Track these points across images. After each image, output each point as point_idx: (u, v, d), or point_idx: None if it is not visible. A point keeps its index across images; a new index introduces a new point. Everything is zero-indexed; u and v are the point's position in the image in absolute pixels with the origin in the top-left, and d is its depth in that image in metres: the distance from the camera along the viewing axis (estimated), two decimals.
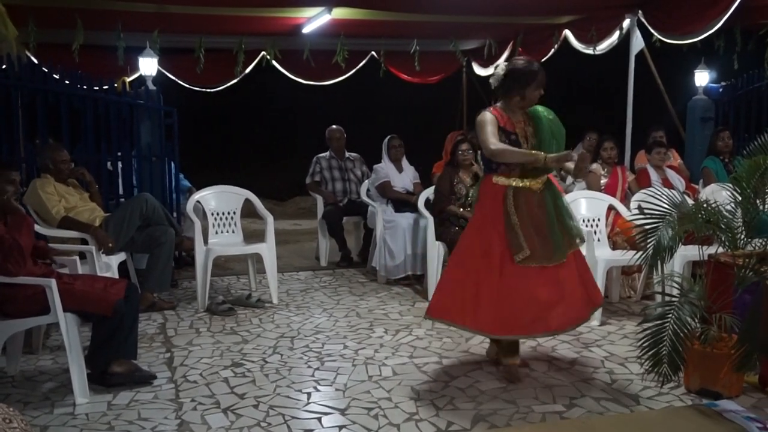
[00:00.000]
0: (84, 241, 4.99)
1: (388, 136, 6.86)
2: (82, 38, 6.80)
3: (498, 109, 3.94)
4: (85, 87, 6.08)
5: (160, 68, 7.39)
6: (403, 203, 6.45)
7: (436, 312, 3.98)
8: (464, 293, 3.84)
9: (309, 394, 3.77)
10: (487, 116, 3.86)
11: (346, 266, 6.94)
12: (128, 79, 7.47)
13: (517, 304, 3.74)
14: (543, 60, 7.91)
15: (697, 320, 3.58)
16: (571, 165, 3.87)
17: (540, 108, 3.99)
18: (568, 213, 4.01)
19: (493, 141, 3.76)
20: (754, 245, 3.80)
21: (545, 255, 3.79)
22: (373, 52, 8.83)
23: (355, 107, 10.67)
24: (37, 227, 4.87)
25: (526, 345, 4.47)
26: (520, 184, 3.84)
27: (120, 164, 6.44)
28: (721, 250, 3.82)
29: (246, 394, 3.76)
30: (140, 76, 7.00)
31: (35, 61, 6.77)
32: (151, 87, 6.61)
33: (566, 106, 12.06)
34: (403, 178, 6.73)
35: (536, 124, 3.92)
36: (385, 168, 6.69)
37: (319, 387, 3.86)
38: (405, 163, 6.84)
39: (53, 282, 3.59)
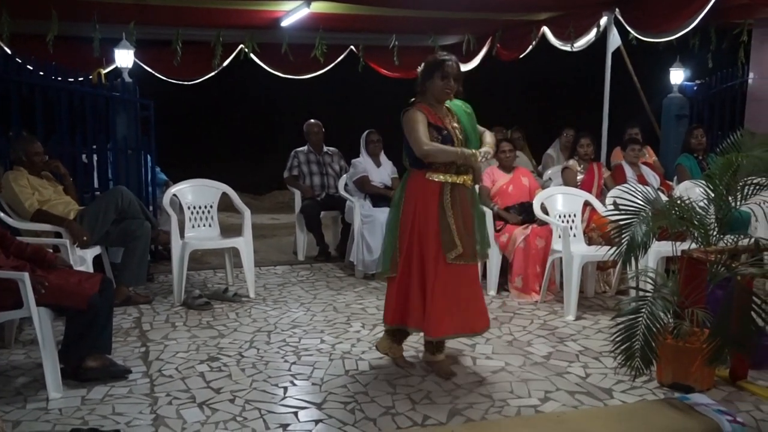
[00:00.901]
0: (58, 235, 4.93)
1: (367, 131, 6.85)
2: (57, 29, 6.71)
3: (425, 105, 3.85)
4: (59, 79, 6.00)
5: (137, 60, 7.32)
6: (381, 198, 6.45)
7: (392, 319, 3.97)
8: (411, 297, 3.86)
9: (285, 388, 3.76)
10: (417, 114, 3.77)
11: (323, 261, 6.93)
12: (104, 71, 7.39)
13: (447, 304, 3.77)
14: (521, 56, 7.97)
15: (670, 315, 3.63)
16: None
17: (458, 102, 3.96)
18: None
19: (425, 141, 3.69)
20: (726, 241, 3.85)
21: (473, 253, 3.86)
22: (352, 47, 8.81)
23: (333, 102, 10.64)
24: (10, 220, 4.83)
25: (502, 340, 4.51)
26: (457, 181, 3.82)
27: (95, 157, 6.38)
28: (694, 246, 3.87)
29: (222, 388, 3.74)
30: (116, 68, 6.93)
31: (9, 52, 6.67)
32: (127, 79, 6.54)
33: (544, 103, 12.16)
34: (381, 172, 6.73)
35: (459, 119, 3.89)
36: (363, 162, 6.68)
37: (295, 381, 3.86)
38: (383, 157, 6.83)
39: (26, 276, 3.54)
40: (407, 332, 4.05)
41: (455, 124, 3.87)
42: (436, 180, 3.79)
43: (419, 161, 3.81)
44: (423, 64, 3.91)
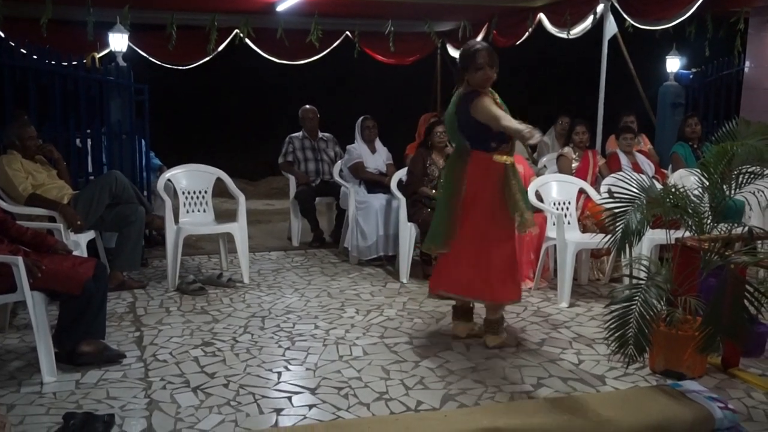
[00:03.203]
0: (52, 219, 4.92)
1: (362, 117, 6.82)
2: (51, 13, 6.66)
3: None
4: (53, 63, 5.96)
5: (131, 44, 7.27)
6: (376, 184, 6.45)
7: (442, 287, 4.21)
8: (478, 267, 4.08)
9: (279, 373, 3.77)
10: (487, 98, 3.98)
11: (318, 247, 6.93)
12: (98, 56, 7.34)
13: (508, 270, 4.12)
14: (518, 43, 7.95)
15: (663, 303, 3.64)
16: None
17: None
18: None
19: (507, 117, 3.88)
20: (719, 230, 3.86)
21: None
22: (348, 32, 8.77)
23: (328, 87, 10.60)
24: (3, 204, 4.80)
25: None
26: (510, 162, 4.10)
27: (89, 141, 6.35)
28: (688, 234, 3.88)
29: (216, 373, 3.75)
30: (110, 52, 6.89)
31: (2, 35, 6.62)
32: (122, 63, 6.50)
33: (539, 90, 12.15)
34: (376, 159, 6.71)
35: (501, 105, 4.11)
36: (358, 149, 6.67)
37: (289, 366, 3.87)
38: (378, 144, 6.81)
39: (20, 260, 3.53)
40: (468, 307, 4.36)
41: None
42: (501, 162, 4.03)
43: (487, 144, 4.01)
44: (458, 58, 4.13)
